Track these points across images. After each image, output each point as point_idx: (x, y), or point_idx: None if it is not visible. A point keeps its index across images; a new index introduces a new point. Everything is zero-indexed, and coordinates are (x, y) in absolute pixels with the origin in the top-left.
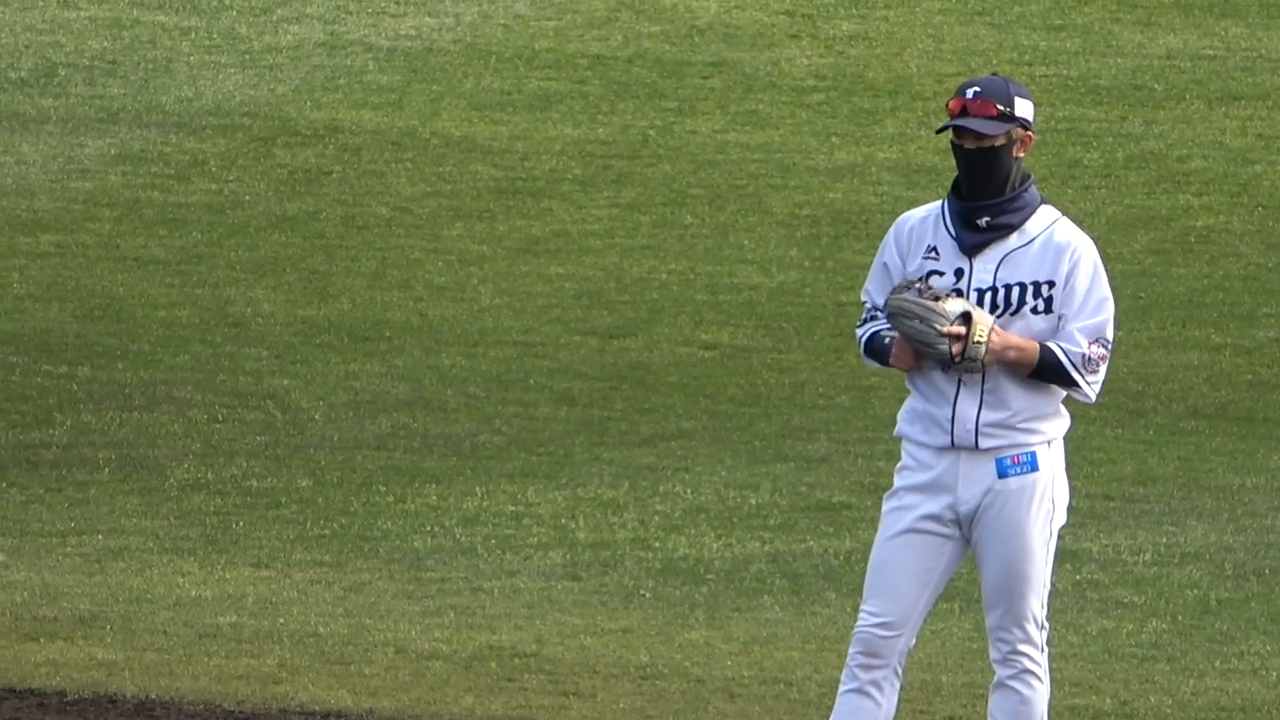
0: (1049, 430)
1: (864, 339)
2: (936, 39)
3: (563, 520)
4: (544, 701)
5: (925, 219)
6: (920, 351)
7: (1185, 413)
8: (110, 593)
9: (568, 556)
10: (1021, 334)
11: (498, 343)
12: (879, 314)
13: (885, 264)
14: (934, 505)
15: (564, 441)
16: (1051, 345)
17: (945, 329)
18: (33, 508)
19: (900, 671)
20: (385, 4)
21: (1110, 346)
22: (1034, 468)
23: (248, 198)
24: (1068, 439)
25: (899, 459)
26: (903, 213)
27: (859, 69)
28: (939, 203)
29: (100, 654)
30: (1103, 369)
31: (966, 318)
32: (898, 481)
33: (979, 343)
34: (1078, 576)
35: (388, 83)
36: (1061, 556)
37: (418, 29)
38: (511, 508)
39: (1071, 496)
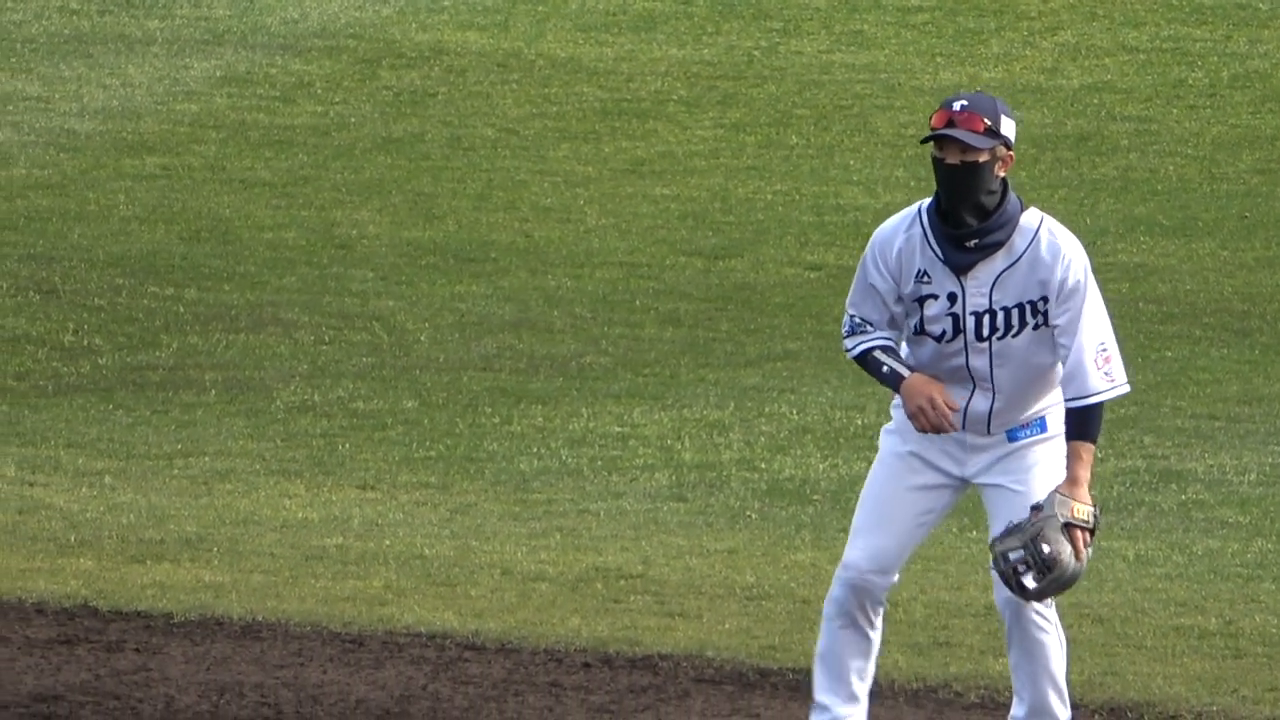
0: (1054, 399)
1: (856, 352)
2: None
3: (668, 441)
4: (650, 623)
5: (910, 238)
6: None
7: None
8: (217, 515)
9: (673, 478)
10: (1026, 350)
11: (603, 264)
12: (870, 327)
13: (874, 286)
14: (941, 461)
15: (669, 362)
16: (1089, 425)
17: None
18: (139, 430)
19: (885, 600)
20: None
21: (1113, 340)
22: (1044, 429)
23: (353, 120)
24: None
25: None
26: (884, 222)
27: None
28: (914, 214)
29: (207, 576)
30: (1116, 359)
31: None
32: (901, 424)
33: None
34: (1183, 497)
35: (493, 4)
36: (1167, 477)
37: None
38: (617, 429)
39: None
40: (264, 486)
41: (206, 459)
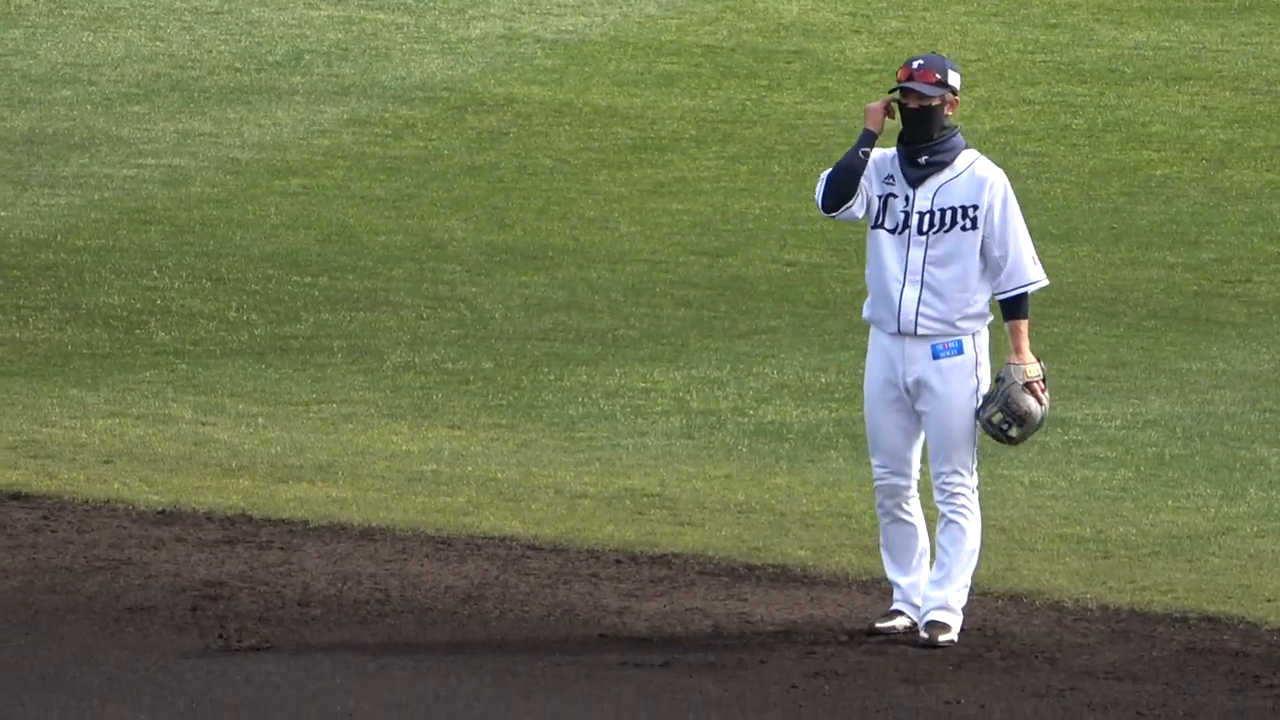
0: (974, 325)
1: (828, 173)
2: (962, 34)
3: (680, 394)
4: (665, 530)
5: (887, 157)
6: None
7: (1147, 315)
8: (342, 447)
9: (684, 421)
10: (954, 246)
11: (633, 261)
12: None
13: (868, 167)
14: (894, 377)
15: (681, 335)
16: (1022, 308)
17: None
18: (284, 384)
19: (915, 492)
20: (550, 6)
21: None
22: (960, 352)
23: (446, 152)
24: (991, 329)
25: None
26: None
27: (904, 56)
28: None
29: (334, 493)
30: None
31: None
32: (870, 359)
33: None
34: (1065, 437)
35: (551, 65)
36: (1053, 422)
37: (574, 25)
38: (642, 384)
39: (991, 379)
40: (377, 426)
41: (334, 405)
